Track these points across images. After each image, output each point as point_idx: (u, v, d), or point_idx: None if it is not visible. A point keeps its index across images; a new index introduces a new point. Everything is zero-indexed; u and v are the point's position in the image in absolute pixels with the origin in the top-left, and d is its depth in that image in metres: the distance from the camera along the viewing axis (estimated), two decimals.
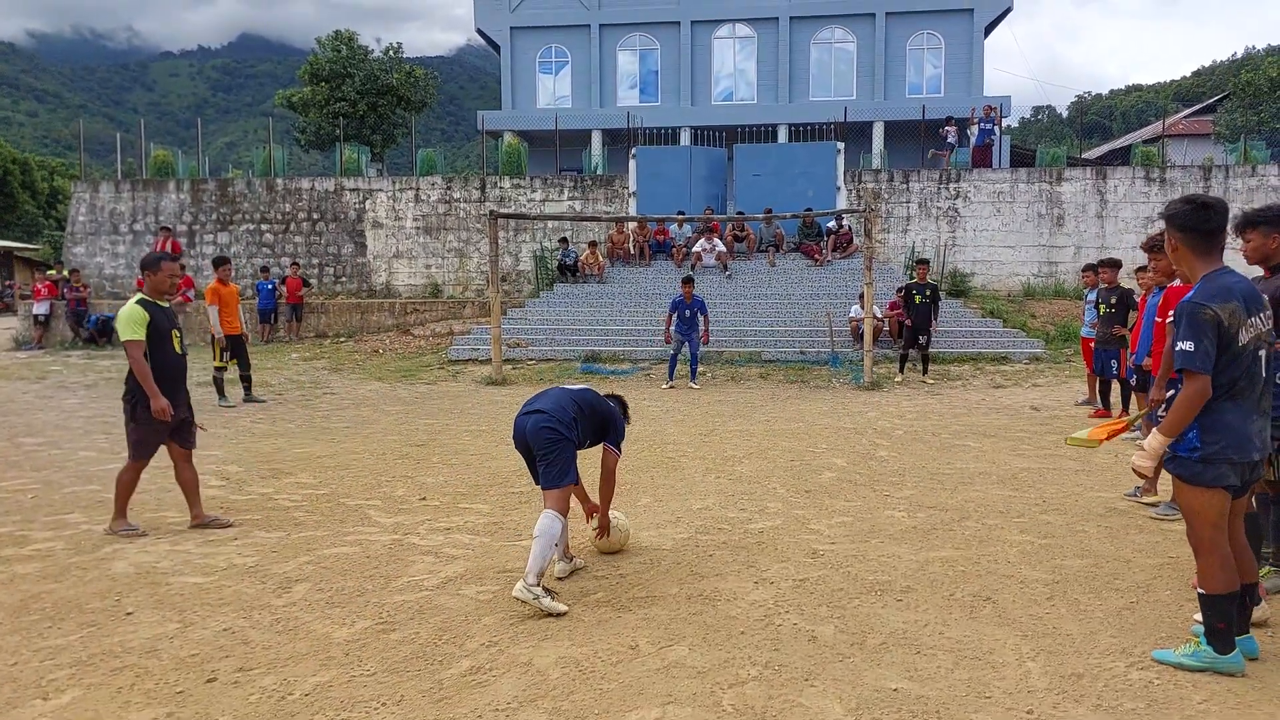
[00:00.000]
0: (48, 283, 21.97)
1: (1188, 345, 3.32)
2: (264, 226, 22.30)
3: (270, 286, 19.91)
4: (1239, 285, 3.41)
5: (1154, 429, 3.50)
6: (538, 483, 4.50)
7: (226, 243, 22.15)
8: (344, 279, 22.14)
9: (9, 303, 32.13)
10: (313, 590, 4.51)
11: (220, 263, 11.50)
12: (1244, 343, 3.35)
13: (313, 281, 21.40)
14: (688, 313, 13.35)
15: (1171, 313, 4.06)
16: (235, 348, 11.42)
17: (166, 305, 5.70)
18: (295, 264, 20.97)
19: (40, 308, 21.08)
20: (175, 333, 5.64)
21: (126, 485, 5.59)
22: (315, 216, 22.25)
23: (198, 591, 4.49)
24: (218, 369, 11.35)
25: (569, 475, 4.39)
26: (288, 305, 19.95)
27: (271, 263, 21.57)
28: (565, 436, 4.39)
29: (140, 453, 5.58)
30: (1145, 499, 6.17)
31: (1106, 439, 4.51)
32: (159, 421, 5.44)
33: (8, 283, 39.13)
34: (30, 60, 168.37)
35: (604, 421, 4.69)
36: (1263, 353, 3.44)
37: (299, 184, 22.47)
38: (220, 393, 11.30)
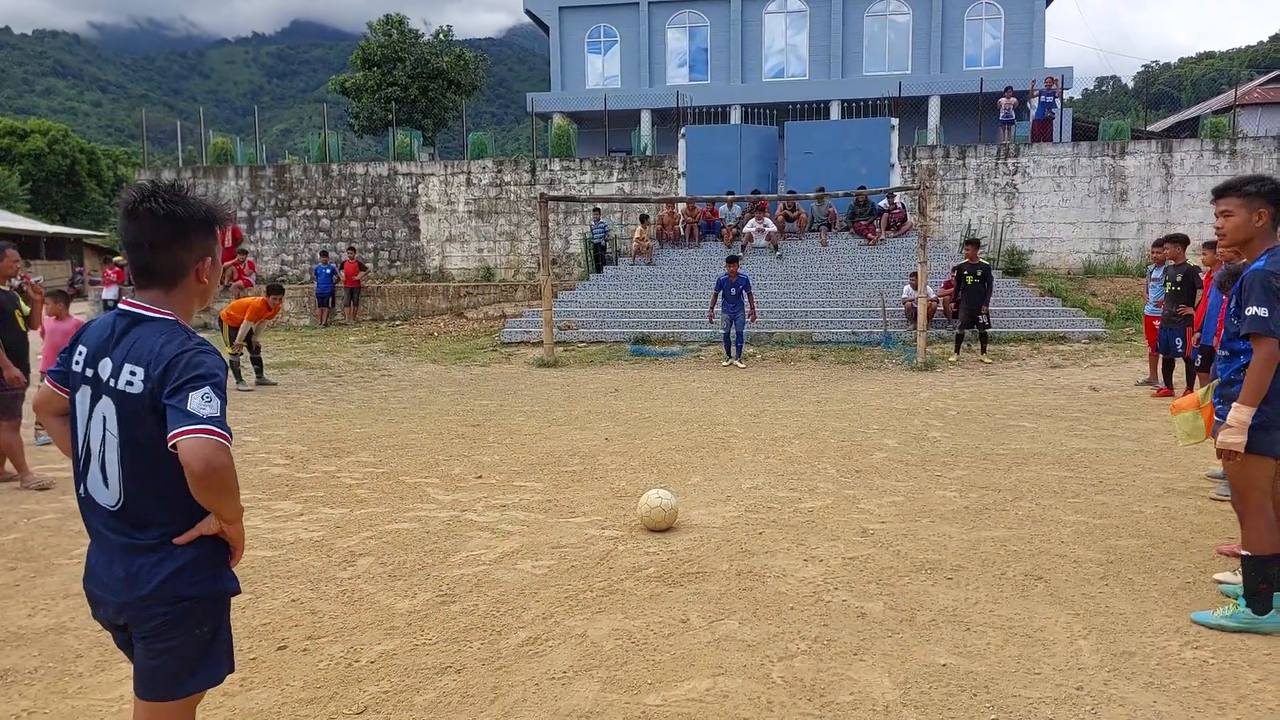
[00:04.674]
0: (116, 269, 22.81)
1: (1261, 310, 3.38)
2: (320, 211, 22.78)
3: (329, 271, 20.38)
4: None
5: (1235, 403, 3.48)
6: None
7: (285, 228, 22.70)
8: (398, 263, 22.54)
9: (80, 289, 33.43)
10: (375, 564, 4.69)
11: (276, 291, 12.07)
12: None
13: (369, 266, 21.86)
14: (733, 291, 13.38)
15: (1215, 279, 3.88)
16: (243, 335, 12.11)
17: (7, 289, 6.65)
18: (351, 248, 21.44)
19: (109, 292, 21.94)
20: (18, 311, 6.63)
21: (11, 445, 6.51)
22: (370, 201, 22.66)
23: (267, 564, 4.69)
24: (232, 355, 11.88)
25: (222, 666, 2.30)
26: (345, 289, 20.41)
27: (329, 247, 22.07)
28: (189, 601, 2.12)
29: (8, 414, 6.50)
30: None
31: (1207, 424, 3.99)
32: (13, 386, 6.44)
33: (78, 269, 40.70)
34: (93, 51, 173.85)
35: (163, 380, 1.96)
36: None
37: (353, 169, 22.88)
38: (238, 377, 11.85)
